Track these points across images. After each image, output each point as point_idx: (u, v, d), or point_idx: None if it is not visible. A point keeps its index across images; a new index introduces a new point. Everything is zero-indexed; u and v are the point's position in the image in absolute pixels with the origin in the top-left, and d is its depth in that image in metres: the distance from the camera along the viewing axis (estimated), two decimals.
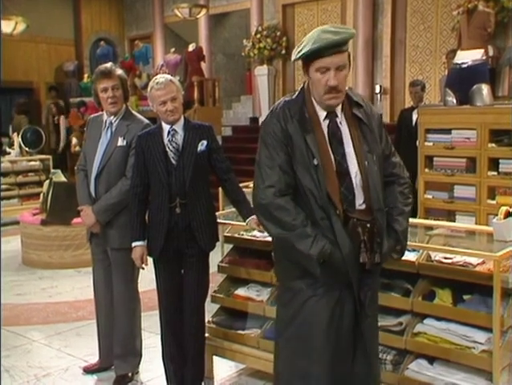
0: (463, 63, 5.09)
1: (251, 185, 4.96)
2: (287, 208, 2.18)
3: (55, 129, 10.96)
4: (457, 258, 2.83)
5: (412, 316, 2.89)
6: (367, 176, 2.21)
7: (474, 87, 4.86)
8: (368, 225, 2.18)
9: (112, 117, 3.41)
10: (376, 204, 2.22)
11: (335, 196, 2.16)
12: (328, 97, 2.18)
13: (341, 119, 2.25)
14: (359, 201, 2.21)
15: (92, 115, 3.68)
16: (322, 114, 2.25)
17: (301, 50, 2.16)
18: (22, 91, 12.51)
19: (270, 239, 2.56)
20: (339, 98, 2.21)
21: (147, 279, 3.53)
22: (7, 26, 10.63)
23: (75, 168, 3.63)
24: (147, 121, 3.47)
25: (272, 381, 2.50)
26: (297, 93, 2.32)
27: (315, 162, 2.17)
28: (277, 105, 2.30)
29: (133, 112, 3.54)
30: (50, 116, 11.57)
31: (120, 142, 3.37)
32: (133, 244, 3.16)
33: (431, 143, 4.90)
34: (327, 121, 2.24)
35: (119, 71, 3.42)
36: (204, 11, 11.20)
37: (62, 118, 11.29)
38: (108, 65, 3.42)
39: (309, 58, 2.17)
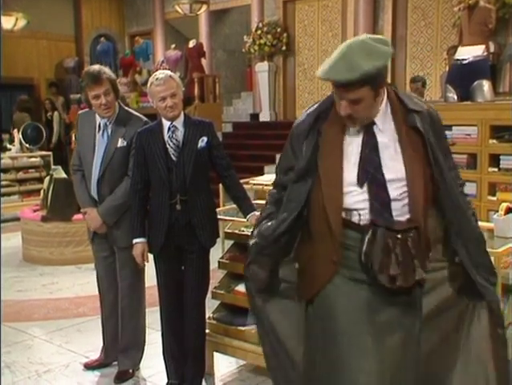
0: (464, 59, 5.10)
1: (251, 182, 4.97)
2: None
3: (49, 125, 10.92)
4: None
5: None
6: None
7: (475, 83, 4.87)
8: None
9: (106, 119, 3.35)
10: None
11: None
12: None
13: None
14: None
15: (82, 111, 3.60)
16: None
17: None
18: (23, 88, 12.48)
19: None
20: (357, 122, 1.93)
21: (148, 276, 3.52)
22: (8, 22, 10.63)
23: (70, 168, 3.60)
24: (145, 119, 3.42)
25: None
26: None
27: None
28: None
29: (128, 110, 3.48)
30: (43, 112, 11.54)
31: (120, 143, 3.32)
32: (134, 240, 3.16)
33: None
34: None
35: (108, 73, 3.31)
36: (204, 7, 11.18)
37: (55, 114, 11.25)
38: (96, 68, 3.32)
39: None
